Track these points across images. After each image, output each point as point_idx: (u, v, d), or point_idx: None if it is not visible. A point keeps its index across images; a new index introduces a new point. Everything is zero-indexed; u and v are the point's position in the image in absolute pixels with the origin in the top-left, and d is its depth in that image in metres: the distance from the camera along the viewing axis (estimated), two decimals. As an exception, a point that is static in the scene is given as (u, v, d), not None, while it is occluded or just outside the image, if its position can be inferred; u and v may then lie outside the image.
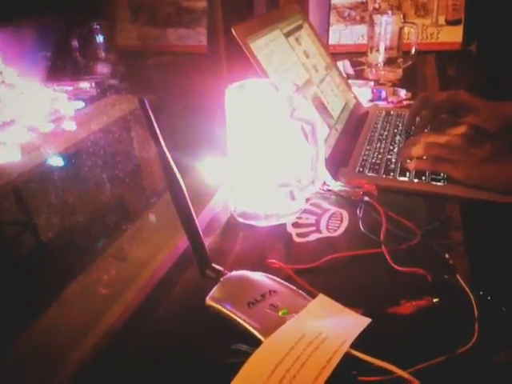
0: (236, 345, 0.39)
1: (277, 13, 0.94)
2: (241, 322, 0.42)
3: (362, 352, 0.38)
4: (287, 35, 0.84)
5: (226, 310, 0.43)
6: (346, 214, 0.64)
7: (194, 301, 0.48)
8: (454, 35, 1.54)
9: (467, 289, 0.47)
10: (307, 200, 0.67)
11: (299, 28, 0.92)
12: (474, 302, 0.45)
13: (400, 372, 0.36)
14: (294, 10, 0.97)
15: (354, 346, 0.38)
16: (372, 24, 1.28)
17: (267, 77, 0.69)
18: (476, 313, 0.44)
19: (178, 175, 0.50)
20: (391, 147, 0.82)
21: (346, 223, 0.62)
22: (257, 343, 0.39)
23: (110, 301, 0.56)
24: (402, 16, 1.27)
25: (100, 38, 1.56)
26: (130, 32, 1.87)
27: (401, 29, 1.26)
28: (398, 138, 0.86)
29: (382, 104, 1.09)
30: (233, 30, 0.69)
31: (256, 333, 0.40)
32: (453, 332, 0.42)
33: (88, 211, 1.40)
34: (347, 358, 0.36)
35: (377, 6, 1.64)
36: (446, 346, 0.40)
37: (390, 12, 1.28)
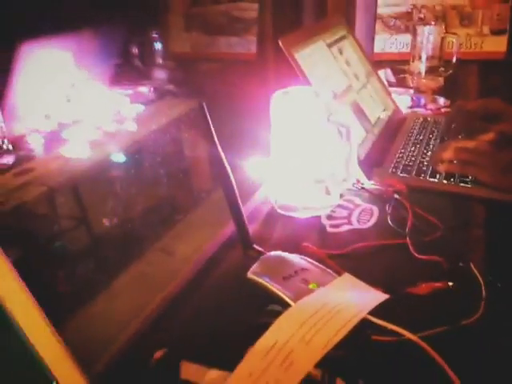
0: (271, 305, 0.47)
1: (321, 24, 1.02)
2: (276, 291, 0.50)
3: (379, 319, 0.45)
4: (330, 45, 0.91)
5: (264, 282, 0.51)
6: (376, 210, 0.70)
7: (238, 275, 0.56)
8: (498, 45, 1.57)
9: (479, 275, 0.53)
10: (341, 196, 0.74)
11: (342, 38, 0.99)
12: (483, 285, 0.51)
13: (409, 335, 0.43)
14: (338, 21, 1.04)
15: (371, 313, 0.45)
16: (415, 34, 1.32)
17: (310, 84, 0.76)
18: (483, 294, 0.50)
19: (229, 168, 0.58)
20: (425, 151, 0.87)
21: (375, 218, 0.69)
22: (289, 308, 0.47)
23: (156, 290, 0.61)
24: (443, 26, 1.31)
25: (158, 46, 1.68)
26: (184, 40, 1.98)
27: (442, 39, 1.30)
28: (432, 142, 0.91)
29: (420, 111, 1.14)
30: (280, 42, 0.77)
31: (288, 300, 0.48)
32: (461, 309, 0.48)
33: (141, 207, 1.50)
34: (364, 322, 0.43)
35: (422, 15, 1.68)
36: (453, 319, 0.46)
37: (432, 22, 1.32)
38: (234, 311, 0.52)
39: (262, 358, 0.41)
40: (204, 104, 0.54)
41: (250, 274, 0.54)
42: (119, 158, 1.28)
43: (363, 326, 0.43)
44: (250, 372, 0.40)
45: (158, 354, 0.46)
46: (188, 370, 0.44)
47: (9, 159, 1.18)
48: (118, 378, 0.46)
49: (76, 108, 1.29)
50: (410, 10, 1.71)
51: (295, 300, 0.48)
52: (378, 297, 0.48)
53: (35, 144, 1.21)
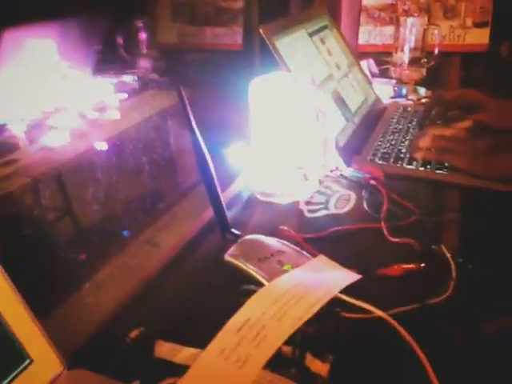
0: (246, 285, 0.48)
1: (304, 14, 1.03)
2: (251, 271, 0.51)
3: (350, 297, 0.46)
4: (311, 35, 0.92)
5: (240, 263, 0.52)
6: (353, 196, 0.72)
7: (216, 258, 0.57)
8: (480, 37, 1.58)
9: (449, 257, 0.54)
10: (320, 182, 0.75)
11: (324, 28, 1.00)
12: (453, 267, 0.52)
13: (378, 312, 0.44)
14: (321, 11, 1.05)
15: (343, 292, 0.46)
16: (398, 25, 1.34)
17: (290, 71, 0.77)
18: (453, 275, 0.51)
19: (207, 154, 0.59)
20: (403, 139, 0.89)
21: (352, 203, 0.70)
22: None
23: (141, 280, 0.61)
24: (426, 18, 1.33)
25: (143, 35, 1.68)
26: (170, 30, 1.98)
27: (425, 30, 1.31)
28: (411, 131, 0.93)
29: (401, 101, 1.16)
30: (261, 30, 0.77)
31: (263, 280, 0.49)
32: (431, 289, 0.50)
33: (126, 198, 1.50)
34: (335, 300, 0.45)
35: (406, 7, 1.69)
36: (423, 298, 0.48)
37: (415, 14, 1.33)
38: (211, 292, 0.53)
39: (234, 334, 0.42)
40: (181, 88, 0.55)
41: (226, 257, 0.55)
42: (104, 147, 1.28)
43: (334, 304, 0.44)
44: (221, 348, 0.41)
45: (134, 334, 0.46)
46: (162, 348, 0.45)
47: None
48: (93, 356, 0.46)
49: (59, 96, 1.29)
50: (394, 2, 1.72)
51: (270, 280, 0.49)
52: (349, 277, 0.49)
53: (18, 132, 1.21)
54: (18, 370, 0.39)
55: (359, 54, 1.62)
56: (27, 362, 0.40)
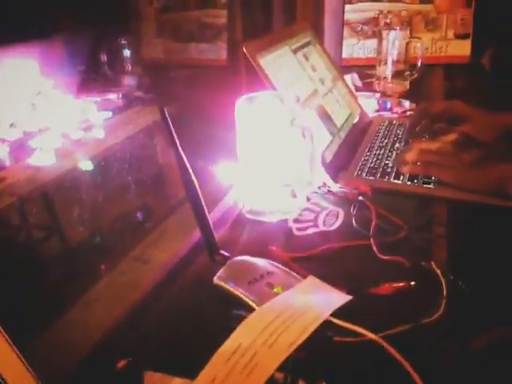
0: (236, 311, 0.47)
1: (287, 30, 1.03)
2: (241, 295, 0.50)
3: (340, 320, 0.45)
4: (295, 51, 0.92)
5: (229, 287, 0.52)
6: (341, 212, 0.71)
7: (205, 280, 0.56)
8: (462, 49, 1.61)
9: (440, 274, 0.54)
10: (308, 199, 0.74)
11: (308, 44, 1.01)
12: (444, 284, 0.52)
13: (370, 335, 0.43)
14: (304, 27, 1.05)
15: (334, 315, 0.46)
16: (380, 39, 1.35)
17: (275, 89, 0.77)
18: (444, 293, 0.51)
19: (192, 173, 0.58)
20: (390, 153, 0.89)
21: (341, 220, 0.69)
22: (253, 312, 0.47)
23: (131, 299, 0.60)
24: (408, 31, 1.34)
25: (127, 52, 1.67)
26: (154, 46, 1.98)
27: (407, 43, 1.33)
28: (397, 145, 0.93)
29: (386, 114, 1.16)
30: (244, 48, 0.77)
31: (252, 304, 0.48)
32: (423, 308, 0.49)
33: (113, 216, 1.48)
34: (326, 324, 0.44)
35: (388, 21, 1.71)
36: (415, 318, 0.47)
37: (397, 28, 1.35)
38: (200, 318, 0.52)
39: (224, 362, 0.41)
40: (164, 108, 0.54)
41: (215, 280, 0.54)
42: (91, 166, 1.26)
43: (325, 328, 0.44)
44: (212, 377, 0.40)
45: (121, 364, 0.45)
46: (151, 379, 0.43)
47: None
48: (80, 388, 0.45)
49: (42, 116, 1.28)
50: (376, 16, 1.74)
51: (259, 304, 0.48)
52: (340, 298, 0.48)
53: (1, 153, 1.19)
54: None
55: (343, 67, 1.64)
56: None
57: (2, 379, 0.37)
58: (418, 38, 1.37)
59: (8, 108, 1.25)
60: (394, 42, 1.32)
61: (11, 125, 1.24)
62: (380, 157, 0.87)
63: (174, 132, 0.55)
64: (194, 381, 0.40)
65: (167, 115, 0.55)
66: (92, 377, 0.46)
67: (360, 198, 0.72)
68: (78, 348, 0.55)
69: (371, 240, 0.62)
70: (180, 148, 0.56)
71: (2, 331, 0.38)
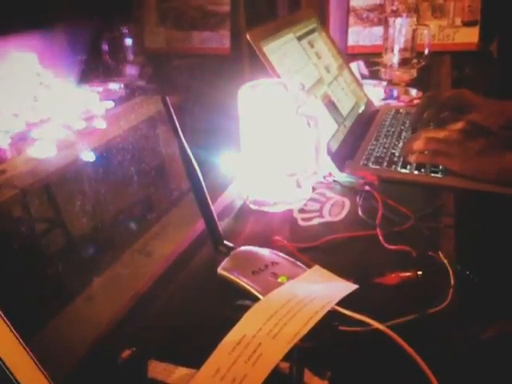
0: (240, 301, 0.47)
1: (291, 18, 1.01)
2: (245, 285, 0.49)
3: (346, 309, 0.44)
4: (300, 38, 0.91)
5: (234, 277, 0.51)
6: (347, 202, 0.70)
7: (209, 271, 0.55)
8: (470, 36, 1.58)
9: (447, 263, 0.53)
10: (314, 189, 0.73)
11: (313, 31, 0.99)
12: (451, 274, 0.51)
13: (376, 324, 0.43)
14: (309, 14, 1.04)
15: (339, 304, 0.45)
16: (387, 26, 1.33)
17: (279, 77, 0.76)
18: (452, 283, 0.50)
19: (195, 164, 0.57)
20: (396, 142, 0.88)
21: (346, 210, 0.68)
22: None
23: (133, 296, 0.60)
24: (415, 18, 1.32)
25: (128, 42, 1.66)
26: (157, 35, 1.96)
27: (414, 30, 1.31)
28: (404, 134, 0.92)
29: (393, 103, 1.15)
30: (247, 35, 0.76)
31: (257, 294, 0.48)
32: (429, 298, 0.49)
33: (116, 207, 1.48)
34: (332, 313, 0.43)
35: (394, 8, 1.68)
36: (421, 307, 0.47)
37: (404, 14, 1.33)
38: (205, 308, 0.51)
39: (229, 353, 0.40)
40: (167, 98, 0.53)
41: (220, 270, 0.54)
42: (93, 157, 1.26)
43: (331, 317, 0.43)
44: (217, 368, 0.39)
45: (126, 354, 0.45)
46: (156, 368, 0.43)
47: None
48: (85, 378, 0.45)
49: (44, 107, 1.27)
50: (382, 3, 1.71)
51: (264, 294, 0.47)
52: (346, 288, 0.47)
53: (3, 144, 1.19)
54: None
55: (349, 55, 1.62)
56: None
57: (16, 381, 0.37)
58: (425, 26, 1.35)
59: (10, 99, 1.25)
60: (400, 29, 1.30)
61: (13, 116, 1.24)
62: (387, 146, 0.86)
63: (177, 122, 0.54)
64: (199, 371, 0.39)
65: (170, 106, 0.54)
66: (96, 367, 0.45)
67: (366, 187, 0.71)
68: (82, 339, 0.55)
69: (377, 230, 0.61)
70: (183, 138, 0.55)
71: (14, 331, 0.37)
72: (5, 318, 0.38)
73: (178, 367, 0.42)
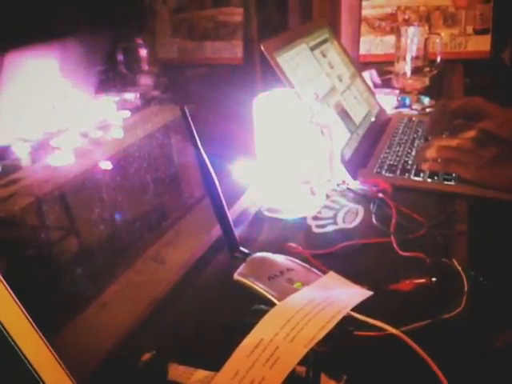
0: (257, 306, 0.48)
1: (304, 28, 1.03)
2: (261, 291, 0.50)
3: (362, 315, 0.45)
4: (313, 48, 0.92)
5: (250, 282, 0.52)
6: (361, 210, 0.71)
7: (225, 277, 0.56)
8: (482, 44, 1.59)
9: (461, 270, 0.53)
10: (328, 196, 0.74)
11: (325, 41, 1.01)
12: (465, 280, 0.52)
13: (391, 329, 0.43)
14: (321, 24, 1.05)
15: (354, 310, 0.46)
16: (399, 35, 1.34)
17: (293, 87, 0.77)
18: (465, 289, 0.50)
19: (212, 172, 0.58)
20: (409, 150, 0.88)
21: (360, 217, 0.69)
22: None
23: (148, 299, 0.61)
24: (427, 27, 1.33)
25: (143, 52, 1.69)
26: (170, 45, 1.99)
27: (426, 39, 1.32)
28: (416, 142, 0.93)
29: (406, 111, 1.16)
30: (261, 46, 0.77)
31: (273, 299, 0.49)
32: (444, 304, 0.49)
33: (130, 215, 1.50)
34: (347, 318, 0.44)
35: (406, 17, 1.70)
36: (436, 313, 0.47)
37: (415, 23, 1.34)
38: (221, 312, 0.53)
39: (247, 356, 0.41)
40: (186, 108, 0.55)
41: (236, 276, 0.55)
42: (107, 166, 1.28)
43: (346, 322, 0.44)
44: (235, 371, 0.40)
45: (146, 356, 0.46)
46: (175, 371, 0.44)
47: (-6, 170, 1.18)
48: (106, 381, 0.46)
49: (62, 116, 1.29)
50: (394, 12, 1.73)
51: (280, 299, 0.48)
52: (361, 294, 0.48)
53: (22, 153, 1.21)
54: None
55: (361, 64, 1.63)
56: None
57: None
58: (437, 34, 1.36)
59: (29, 108, 1.28)
60: (412, 38, 1.31)
61: (32, 125, 1.26)
62: (400, 154, 0.87)
63: (195, 131, 0.56)
64: (218, 373, 0.40)
65: (188, 115, 0.55)
66: (118, 370, 0.47)
67: (380, 195, 0.72)
68: (98, 345, 0.56)
69: (391, 237, 0.62)
70: (201, 147, 0.57)
71: (40, 334, 0.39)
72: (30, 318, 0.40)
73: (197, 370, 0.44)
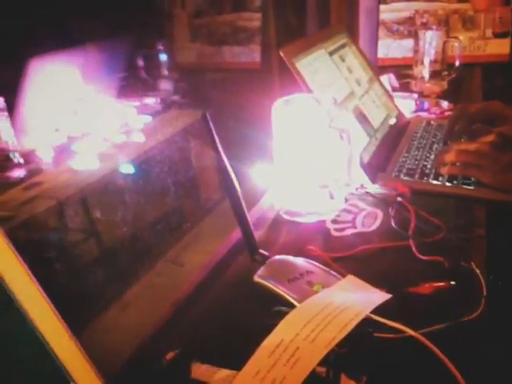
0: (277, 307, 0.49)
1: (322, 33, 1.04)
2: (281, 293, 0.51)
3: (381, 317, 0.46)
4: (331, 53, 0.93)
5: (270, 284, 0.53)
6: (380, 213, 0.72)
7: (245, 279, 0.57)
8: (501, 48, 1.58)
9: (479, 274, 0.54)
10: (346, 200, 0.75)
11: (343, 46, 1.01)
12: (484, 284, 0.52)
13: (410, 332, 0.44)
14: (339, 29, 1.06)
15: (374, 312, 0.46)
16: (417, 39, 1.34)
17: (311, 92, 0.78)
18: (484, 292, 0.51)
19: (233, 176, 0.60)
20: (428, 154, 0.89)
21: (379, 221, 0.70)
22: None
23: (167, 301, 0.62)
24: (445, 31, 1.33)
25: (163, 57, 1.71)
26: (189, 50, 2.02)
27: (445, 43, 1.32)
28: (435, 146, 0.93)
29: (424, 115, 1.16)
30: (280, 52, 0.79)
31: (293, 301, 0.50)
32: (462, 307, 0.50)
33: (150, 218, 1.52)
34: (366, 320, 0.45)
35: (424, 20, 1.69)
36: (454, 316, 0.48)
37: (434, 27, 1.34)
38: (242, 314, 0.54)
39: (268, 356, 0.42)
40: (207, 114, 0.56)
41: (256, 278, 0.56)
42: (128, 169, 1.30)
43: (365, 324, 0.44)
44: (257, 370, 0.42)
45: (170, 355, 0.47)
46: (198, 370, 0.45)
47: (20, 173, 1.21)
48: (131, 379, 0.47)
49: (84, 121, 1.32)
50: (412, 16, 1.73)
51: (300, 301, 0.49)
52: (380, 296, 0.49)
53: (45, 157, 1.24)
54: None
55: (379, 68, 1.63)
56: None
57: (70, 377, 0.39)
58: (456, 38, 1.36)
59: (52, 113, 1.31)
60: (430, 41, 1.31)
61: (55, 130, 1.29)
62: (418, 158, 0.87)
63: (216, 138, 0.57)
64: (240, 372, 0.42)
65: (210, 121, 0.57)
66: (142, 368, 0.48)
67: (398, 198, 0.72)
68: (121, 344, 0.57)
69: (410, 240, 0.62)
70: (222, 153, 0.58)
71: (71, 333, 0.40)
72: (59, 316, 0.41)
73: (220, 369, 0.45)
